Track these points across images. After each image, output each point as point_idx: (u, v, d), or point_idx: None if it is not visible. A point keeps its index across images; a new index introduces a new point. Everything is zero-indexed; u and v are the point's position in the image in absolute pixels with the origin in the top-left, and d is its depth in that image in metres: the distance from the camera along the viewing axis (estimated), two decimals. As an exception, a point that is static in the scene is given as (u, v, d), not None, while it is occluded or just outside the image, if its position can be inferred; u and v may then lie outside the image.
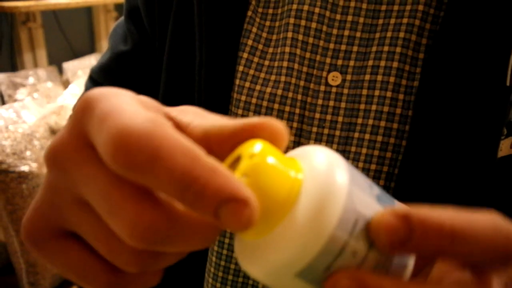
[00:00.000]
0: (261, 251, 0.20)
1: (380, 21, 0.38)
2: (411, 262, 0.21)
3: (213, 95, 0.43)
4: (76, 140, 0.19)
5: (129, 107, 0.18)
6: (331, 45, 0.39)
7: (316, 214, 0.18)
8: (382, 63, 0.37)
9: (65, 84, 2.05)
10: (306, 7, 0.40)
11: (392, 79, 0.37)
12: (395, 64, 0.37)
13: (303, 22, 0.40)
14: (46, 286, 1.44)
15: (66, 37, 2.19)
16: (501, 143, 0.36)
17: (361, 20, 0.39)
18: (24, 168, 1.36)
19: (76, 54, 2.23)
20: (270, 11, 0.42)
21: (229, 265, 0.44)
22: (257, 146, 0.19)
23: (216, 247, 0.44)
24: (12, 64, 1.97)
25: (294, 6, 0.40)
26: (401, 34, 0.37)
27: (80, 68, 2.10)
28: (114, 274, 0.20)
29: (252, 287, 0.44)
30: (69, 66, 2.10)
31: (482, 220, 0.19)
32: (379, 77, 0.37)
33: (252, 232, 0.20)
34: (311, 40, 0.40)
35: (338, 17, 0.39)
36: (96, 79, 0.54)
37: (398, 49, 0.37)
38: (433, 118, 0.36)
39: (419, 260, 0.22)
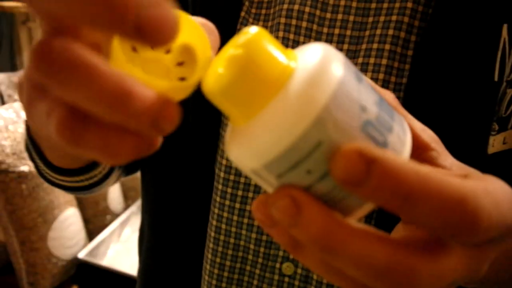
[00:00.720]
0: (240, 135, 0.19)
1: (370, 19, 0.39)
2: (367, 206, 0.19)
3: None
4: None
5: None
6: None
7: (295, 109, 0.17)
8: (372, 60, 0.38)
9: (65, 84, 2.05)
10: (296, 7, 0.40)
11: (381, 76, 0.37)
12: (384, 61, 0.37)
13: (293, 21, 0.40)
14: (46, 286, 1.44)
15: (66, 37, 2.19)
16: (494, 139, 0.36)
17: (351, 18, 0.39)
18: (24, 168, 1.36)
19: (76, 54, 2.23)
20: (263, 11, 0.43)
21: (224, 262, 0.44)
22: (253, 29, 0.19)
23: (211, 244, 0.44)
24: (12, 64, 1.98)
25: (285, 6, 0.40)
26: (390, 32, 0.37)
27: (80, 68, 2.10)
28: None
29: (248, 283, 0.44)
30: (68, 66, 2.10)
31: (454, 189, 0.17)
32: (369, 74, 0.38)
33: (240, 114, 0.19)
34: (301, 39, 0.40)
35: (328, 15, 0.40)
36: None
37: (387, 46, 0.37)
38: (422, 114, 0.36)
39: None
